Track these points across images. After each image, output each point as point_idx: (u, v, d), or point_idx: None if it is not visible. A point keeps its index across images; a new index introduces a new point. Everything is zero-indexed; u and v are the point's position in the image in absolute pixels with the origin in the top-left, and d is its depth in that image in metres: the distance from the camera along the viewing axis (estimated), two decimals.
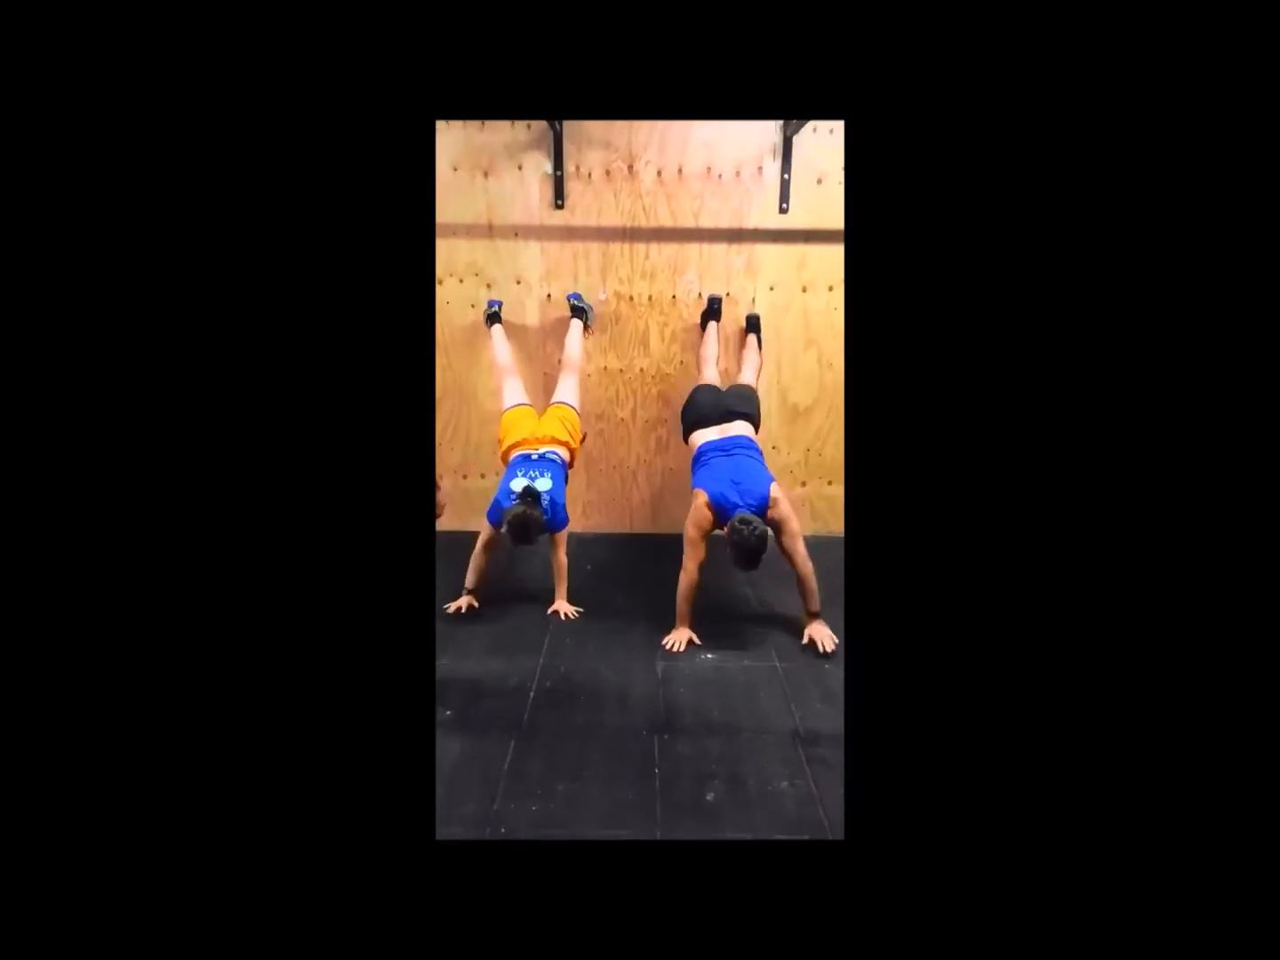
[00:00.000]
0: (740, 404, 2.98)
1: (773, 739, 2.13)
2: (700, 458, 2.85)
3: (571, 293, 3.39)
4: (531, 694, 2.33)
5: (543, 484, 2.74)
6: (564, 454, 2.95)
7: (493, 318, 3.34)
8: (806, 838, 1.61)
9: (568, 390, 3.15)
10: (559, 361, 3.33)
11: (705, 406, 2.99)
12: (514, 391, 3.12)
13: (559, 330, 3.41)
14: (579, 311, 3.35)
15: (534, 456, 2.85)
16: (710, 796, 1.88)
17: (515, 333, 3.42)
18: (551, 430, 2.96)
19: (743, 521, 2.48)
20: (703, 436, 2.90)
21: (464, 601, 2.79)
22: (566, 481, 2.91)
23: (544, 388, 3.42)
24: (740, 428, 2.90)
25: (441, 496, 2.83)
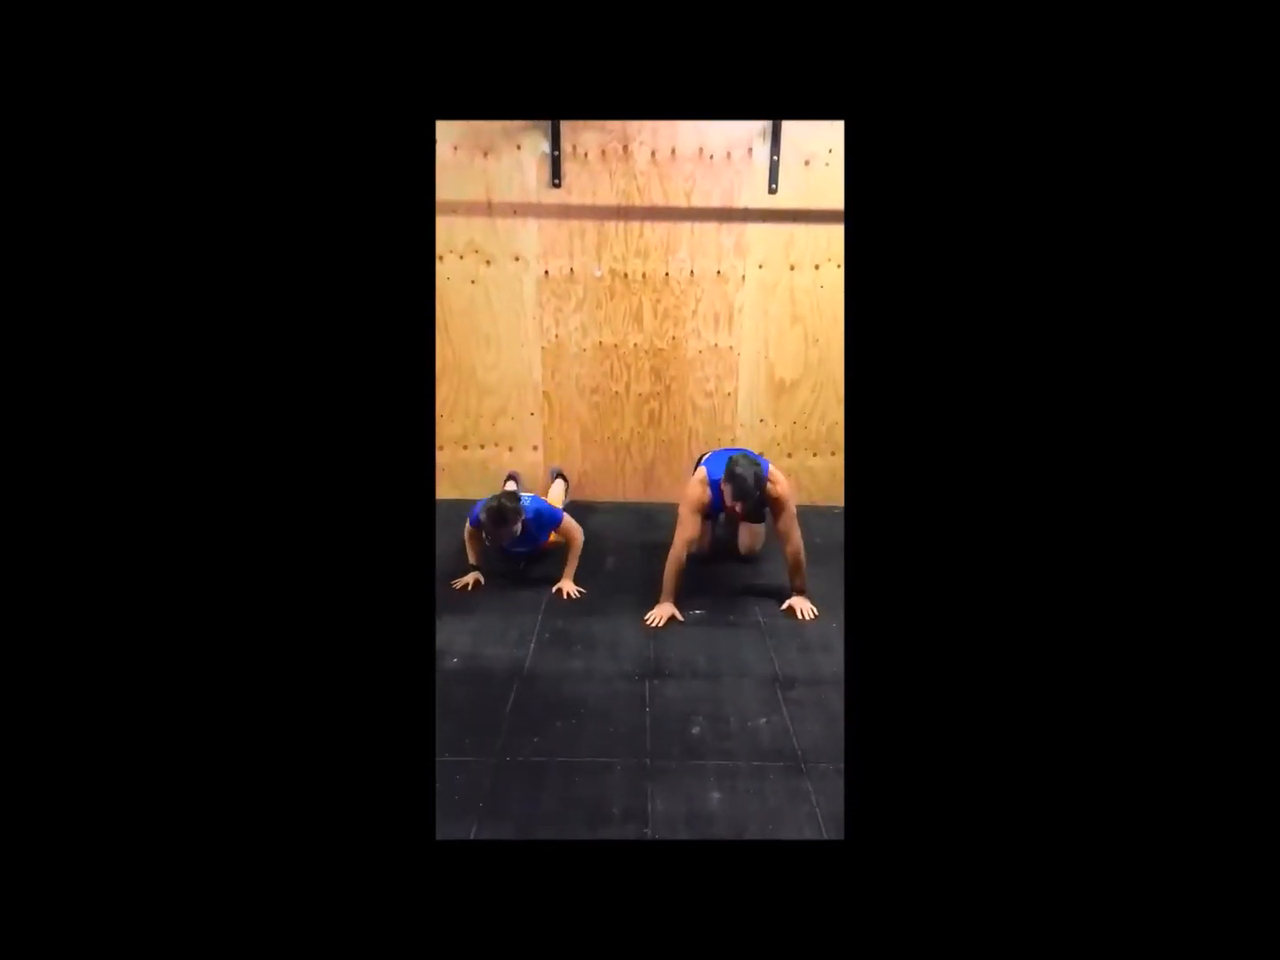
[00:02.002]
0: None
1: (752, 682, 2.31)
2: (705, 459, 2.99)
3: (553, 468, 3.70)
4: (531, 645, 2.50)
5: (524, 499, 2.91)
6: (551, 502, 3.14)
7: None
8: (806, 838, 1.65)
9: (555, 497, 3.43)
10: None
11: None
12: None
13: (553, 304, 3.55)
14: (561, 476, 3.65)
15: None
16: (695, 730, 2.07)
17: (512, 308, 3.56)
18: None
19: (741, 463, 2.59)
20: (711, 450, 3.11)
21: (471, 579, 2.90)
22: (550, 514, 2.96)
23: (541, 363, 3.62)
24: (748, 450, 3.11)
25: None
